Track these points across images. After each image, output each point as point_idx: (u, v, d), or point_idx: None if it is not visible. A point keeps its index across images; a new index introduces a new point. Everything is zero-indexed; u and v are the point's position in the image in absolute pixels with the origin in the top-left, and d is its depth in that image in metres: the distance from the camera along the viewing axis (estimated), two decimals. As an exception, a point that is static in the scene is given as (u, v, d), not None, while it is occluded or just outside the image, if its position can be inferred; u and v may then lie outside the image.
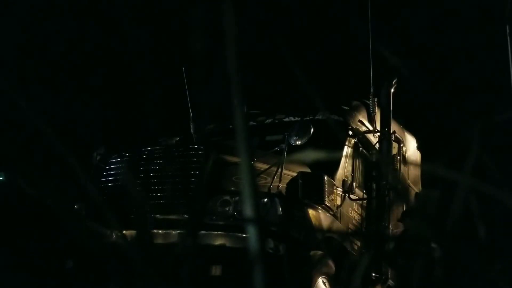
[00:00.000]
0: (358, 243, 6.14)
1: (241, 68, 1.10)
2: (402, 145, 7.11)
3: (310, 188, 5.50)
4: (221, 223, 5.00)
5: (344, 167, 6.34)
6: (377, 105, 6.91)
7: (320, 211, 5.48)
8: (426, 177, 7.86)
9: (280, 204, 5.04)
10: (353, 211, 6.37)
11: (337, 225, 5.83)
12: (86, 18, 12.32)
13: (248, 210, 1.11)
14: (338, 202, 6.00)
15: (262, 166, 5.37)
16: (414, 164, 7.78)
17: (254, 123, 7.23)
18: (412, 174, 7.81)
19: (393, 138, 6.61)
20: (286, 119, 7.12)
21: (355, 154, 6.58)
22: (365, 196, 6.63)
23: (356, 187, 6.38)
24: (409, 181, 7.70)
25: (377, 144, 6.69)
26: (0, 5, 11.63)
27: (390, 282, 6.39)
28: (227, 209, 5.05)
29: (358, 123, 6.87)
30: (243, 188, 1.10)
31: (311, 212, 5.34)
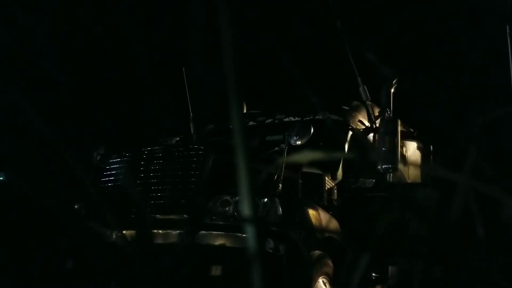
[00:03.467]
0: (359, 243, 6.13)
1: (238, 67, 1.10)
2: (402, 145, 7.10)
3: (310, 188, 5.50)
4: (221, 223, 5.00)
5: (344, 167, 6.33)
6: (377, 105, 6.90)
7: (320, 211, 5.48)
8: (426, 177, 7.83)
9: (280, 204, 5.04)
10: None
11: (337, 225, 5.83)
12: (86, 17, 12.32)
13: (246, 210, 1.11)
14: (339, 202, 6.01)
15: (262, 166, 5.36)
16: (414, 164, 7.77)
17: (254, 123, 7.23)
18: (412, 174, 7.80)
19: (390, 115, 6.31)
20: (286, 119, 7.12)
21: (356, 154, 6.57)
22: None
23: (356, 187, 6.38)
24: (409, 181, 7.69)
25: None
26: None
27: (390, 282, 6.39)
28: (227, 209, 5.05)
29: (358, 123, 6.86)
30: (241, 189, 1.10)
31: (311, 212, 5.34)
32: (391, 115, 6.36)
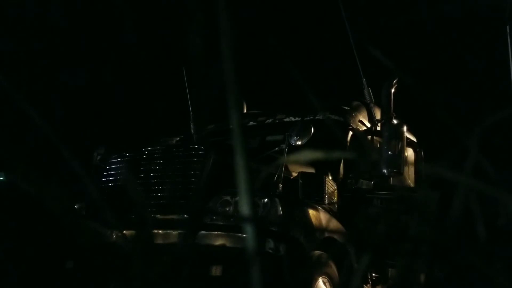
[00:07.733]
0: (359, 243, 6.13)
1: (237, 67, 1.10)
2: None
3: (311, 188, 5.50)
4: (221, 223, 5.00)
5: (345, 167, 6.34)
6: (379, 108, 6.91)
7: (320, 211, 5.48)
8: (426, 177, 7.81)
9: (280, 204, 5.04)
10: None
11: (338, 225, 5.83)
12: (87, 17, 12.33)
13: (246, 210, 1.11)
14: (339, 202, 6.01)
15: (262, 166, 5.36)
16: (414, 166, 7.77)
17: (254, 123, 7.23)
18: (412, 175, 7.80)
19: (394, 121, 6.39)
20: (287, 119, 7.12)
21: (356, 154, 6.57)
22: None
23: (356, 187, 6.37)
24: (409, 181, 7.70)
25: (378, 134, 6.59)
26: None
27: (390, 282, 6.39)
28: (227, 209, 5.04)
29: (359, 123, 6.86)
30: (241, 189, 1.10)
31: (311, 212, 5.34)
32: (396, 119, 6.40)
